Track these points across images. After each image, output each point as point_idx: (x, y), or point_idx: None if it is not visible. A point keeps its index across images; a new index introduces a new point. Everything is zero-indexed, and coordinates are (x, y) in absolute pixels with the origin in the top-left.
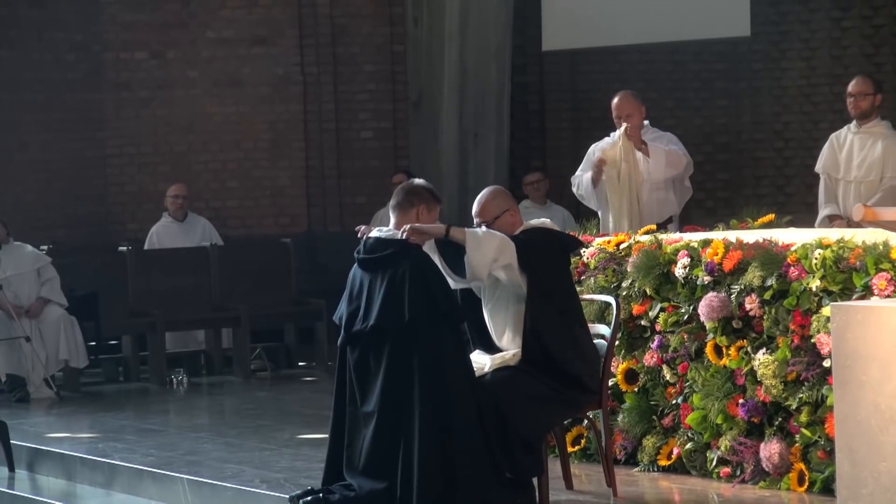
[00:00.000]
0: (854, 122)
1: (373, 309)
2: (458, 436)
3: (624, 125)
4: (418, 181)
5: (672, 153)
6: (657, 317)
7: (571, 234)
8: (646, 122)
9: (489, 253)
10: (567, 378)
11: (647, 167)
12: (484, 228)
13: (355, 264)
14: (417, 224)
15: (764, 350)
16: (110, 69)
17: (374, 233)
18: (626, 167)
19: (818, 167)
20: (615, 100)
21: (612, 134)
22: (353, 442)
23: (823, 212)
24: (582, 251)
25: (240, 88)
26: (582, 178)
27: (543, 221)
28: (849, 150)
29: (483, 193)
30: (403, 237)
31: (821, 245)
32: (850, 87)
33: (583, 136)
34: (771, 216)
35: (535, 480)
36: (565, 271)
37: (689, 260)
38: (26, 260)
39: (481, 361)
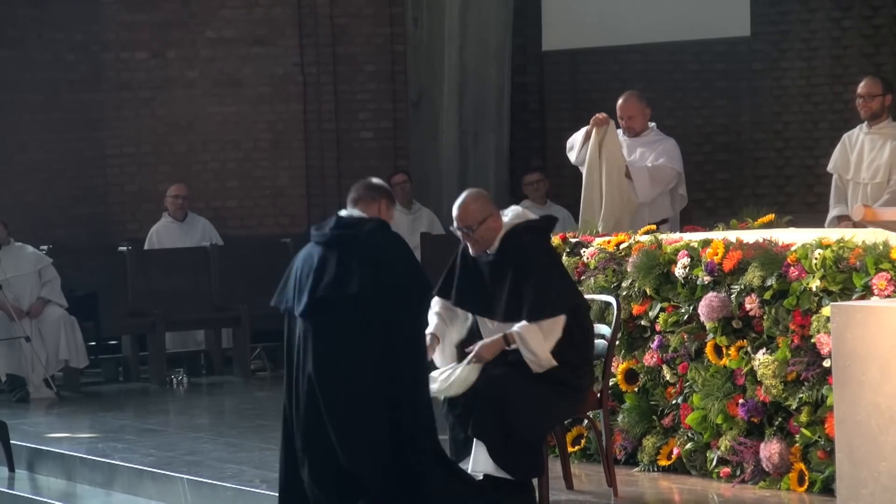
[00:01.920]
0: (865, 122)
1: (321, 282)
2: (404, 429)
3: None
4: (375, 180)
5: (657, 169)
6: (657, 317)
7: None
8: (651, 125)
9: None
10: (563, 378)
11: (634, 191)
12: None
13: (307, 246)
14: (483, 350)
15: (764, 350)
16: (110, 69)
17: (343, 213)
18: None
19: (830, 167)
20: (619, 100)
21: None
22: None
23: (833, 212)
24: (582, 252)
25: (240, 88)
26: (575, 136)
27: (516, 212)
28: (859, 151)
29: (464, 198)
30: (470, 363)
31: (821, 245)
32: (860, 89)
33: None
34: (771, 216)
35: (535, 481)
36: (567, 279)
37: (689, 260)
38: (27, 261)
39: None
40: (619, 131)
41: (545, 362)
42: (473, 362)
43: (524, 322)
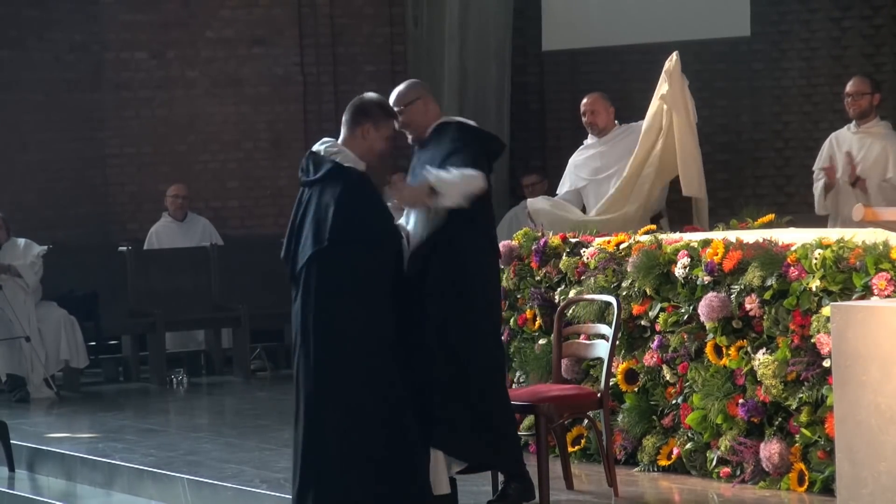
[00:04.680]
0: (854, 122)
1: (303, 234)
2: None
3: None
4: (369, 95)
5: None
6: (657, 317)
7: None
8: (617, 122)
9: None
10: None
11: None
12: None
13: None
14: (396, 187)
15: (764, 350)
16: (110, 69)
17: (316, 146)
18: (677, 117)
19: (817, 167)
20: (584, 99)
21: (584, 142)
22: None
23: (817, 184)
24: (582, 252)
25: (240, 88)
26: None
27: (462, 119)
28: (848, 151)
29: (400, 85)
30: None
31: (821, 245)
32: (848, 87)
33: (583, 136)
34: (771, 216)
35: (534, 480)
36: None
37: (689, 260)
38: (24, 251)
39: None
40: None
41: (460, 197)
42: (394, 204)
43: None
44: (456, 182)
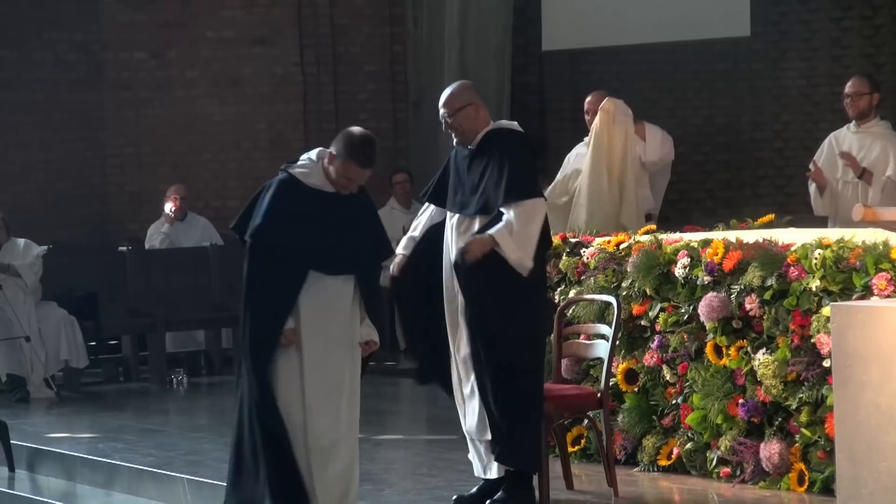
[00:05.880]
0: (854, 122)
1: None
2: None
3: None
4: (359, 133)
5: (666, 135)
6: (657, 317)
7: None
8: None
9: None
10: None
11: (643, 148)
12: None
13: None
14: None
15: (764, 350)
16: (110, 69)
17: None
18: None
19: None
20: (588, 97)
21: (584, 139)
22: None
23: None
24: (582, 252)
25: (240, 88)
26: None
27: (512, 124)
28: (847, 151)
29: (451, 86)
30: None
31: (821, 245)
32: (847, 88)
33: (583, 137)
34: (771, 216)
35: (534, 482)
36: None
37: (689, 260)
38: (24, 252)
39: None
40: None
41: (526, 260)
42: (465, 258)
43: (499, 225)
44: (518, 237)
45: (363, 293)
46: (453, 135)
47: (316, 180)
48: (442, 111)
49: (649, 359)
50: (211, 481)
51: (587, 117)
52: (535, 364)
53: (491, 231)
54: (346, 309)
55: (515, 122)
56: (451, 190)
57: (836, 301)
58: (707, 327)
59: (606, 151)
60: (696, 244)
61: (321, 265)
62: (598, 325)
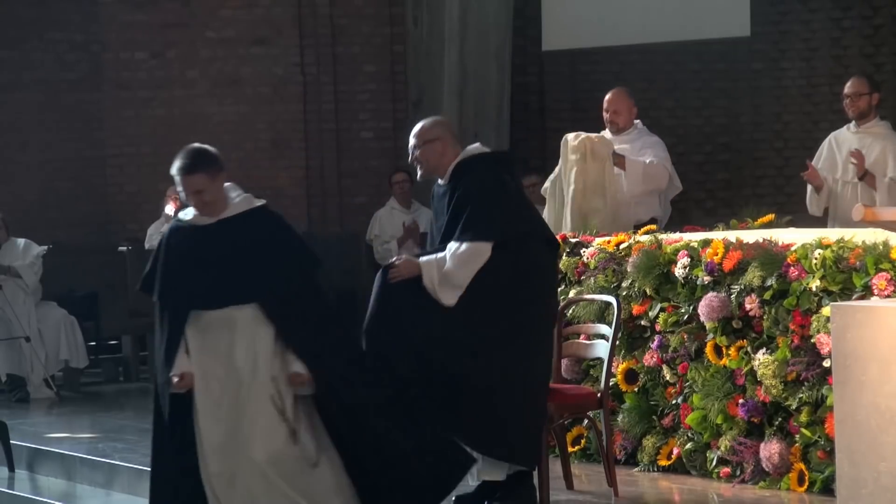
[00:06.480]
0: (853, 122)
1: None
2: None
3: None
4: (195, 147)
5: (651, 167)
6: (657, 317)
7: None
8: (637, 122)
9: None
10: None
11: (623, 182)
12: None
13: None
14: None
15: (764, 350)
16: (110, 69)
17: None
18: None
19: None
20: (608, 94)
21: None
22: None
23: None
24: (582, 252)
25: (240, 88)
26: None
27: (481, 150)
28: (847, 151)
29: (426, 119)
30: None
31: (821, 245)
32: (847, 88)
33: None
34: (771, 216)
35: (535, 482)
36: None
37: (689, 260)
38: (24, 252)
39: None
40: (606, 132)
41: (447, 297)
42: (389, 273)
43: (435, 255)
44: (445, 275)
45: (274, 320)
46: (417, 166)
47: (191, 215)
48: (411, 141)
49: (649, 359)
50: None
51: (605, 115)
52: (525, 369)
53: (423, 258)
54: (242, 343)
55: (479, 145)
56: (435, 226)
57: (836, 301)
58: (707, 327)
59: (581, 174)
60: (696, 244)
61: (199, 301)
62: (598, 325)
